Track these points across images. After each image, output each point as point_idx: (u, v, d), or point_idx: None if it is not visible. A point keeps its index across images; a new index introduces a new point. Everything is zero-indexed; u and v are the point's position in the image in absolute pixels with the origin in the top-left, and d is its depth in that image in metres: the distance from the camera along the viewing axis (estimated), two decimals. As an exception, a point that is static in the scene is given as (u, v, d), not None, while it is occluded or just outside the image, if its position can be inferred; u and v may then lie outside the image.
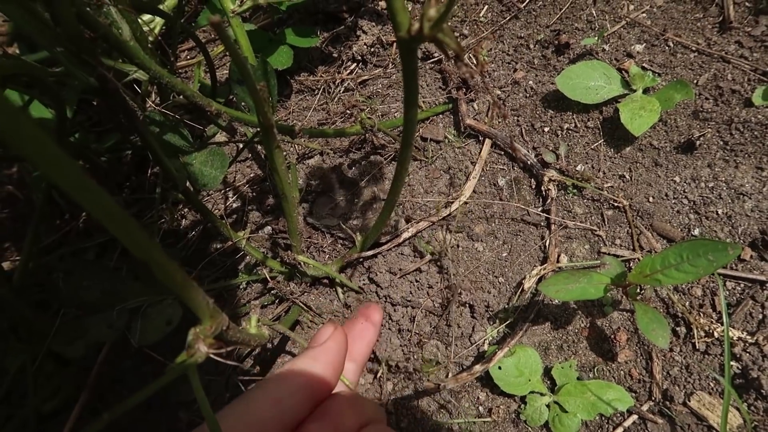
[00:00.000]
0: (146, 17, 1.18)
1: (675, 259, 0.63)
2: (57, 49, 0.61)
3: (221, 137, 1.10)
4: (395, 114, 1.04)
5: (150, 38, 1.26)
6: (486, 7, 1.13)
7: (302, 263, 0.82)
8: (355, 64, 1.16)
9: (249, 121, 0.79)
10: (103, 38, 0.58)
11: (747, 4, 0.96)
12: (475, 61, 1.07)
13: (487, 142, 0.94)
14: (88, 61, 0.57)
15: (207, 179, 0.73)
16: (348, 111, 1.08)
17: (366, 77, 1.12)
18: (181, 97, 0.70)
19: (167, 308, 0.71)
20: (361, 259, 0.87)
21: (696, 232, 0.80)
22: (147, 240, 0.40)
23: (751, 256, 0.77)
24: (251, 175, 1.09)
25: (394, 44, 1.14)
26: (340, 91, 1.13)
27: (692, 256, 0.62)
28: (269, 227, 0.99)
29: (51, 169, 0.22)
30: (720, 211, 0.80)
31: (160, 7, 1.17)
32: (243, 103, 0.81)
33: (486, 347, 0.80)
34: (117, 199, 1.11)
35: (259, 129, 0.62)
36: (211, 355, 0.52)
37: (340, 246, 0.92)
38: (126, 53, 0.62)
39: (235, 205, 1.07)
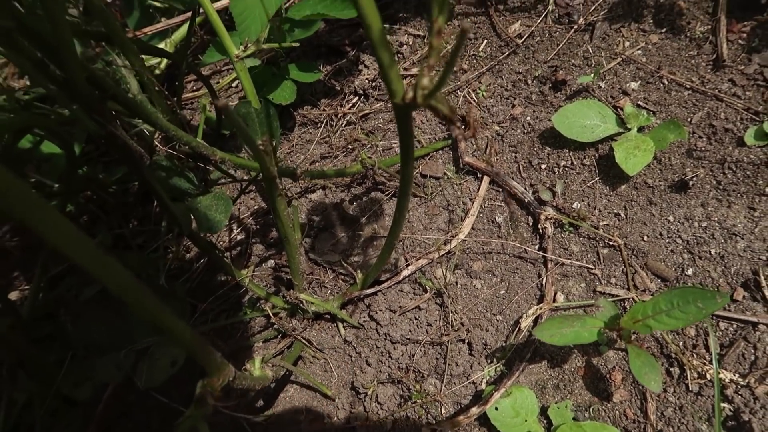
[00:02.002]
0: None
1: (666, 306, 0.65)
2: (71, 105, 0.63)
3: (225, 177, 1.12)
4: (395, 149, 1.07)
5: (156, 72, 1.29)
6: (485, 41, 1.15)
7: (304, 301, 0.84)
8: (357, 97, 1.18)
9: (252, 168, 0.82)
10: (112, 98, 0.61)
11: (740, 41, 0.98)
12: (474, 98, 1.09)
13: (486, 179, 0.96)
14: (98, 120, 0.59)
15: (211, 223, 0.75)
16: (350, 146, 1.10)
17: (367, 111, 1.15)
18: (186, 147, 0.72)
19: (172, 349, 0.73)
20: (361, 296, 0.89)
21: (690, 271, 0.81)
22: (158, 307, 0.42)
23: (744, 297, 0.78)
24: (255, 208, 1.11)
25: (395, 78, 1.16)
26: (342, 124, 1.16)
27: (682, 303, 0.64)
28: (272, 261, 1.01)
29: (74, 253, 0.25)
30: (713, 251, 0.82)
31: (168, 40, 1.21)
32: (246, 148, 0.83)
33: (483, 385, 0.82)
34: (122, 230, 1.13)
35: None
36: (220, 408, 0.54)
37: (341, 281, 0.94)
38: (134, 111, 0.64)
39: (239, 238, 1.09)
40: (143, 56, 1.01)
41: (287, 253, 0.78)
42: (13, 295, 1.17)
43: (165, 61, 1.27)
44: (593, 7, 1.10)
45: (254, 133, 0.86)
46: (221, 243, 1.09)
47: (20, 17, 0.53)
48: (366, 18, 0.39)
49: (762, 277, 0.78)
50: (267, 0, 0.94)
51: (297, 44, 0.90)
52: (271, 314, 0.87)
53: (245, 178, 1.05)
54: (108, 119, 0.60)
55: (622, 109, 0.96)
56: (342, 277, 0.94)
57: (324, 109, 1.19)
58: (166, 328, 0.46)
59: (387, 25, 1.23)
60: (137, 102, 0.64)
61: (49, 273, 1.17)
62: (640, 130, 0.92)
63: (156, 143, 0.93)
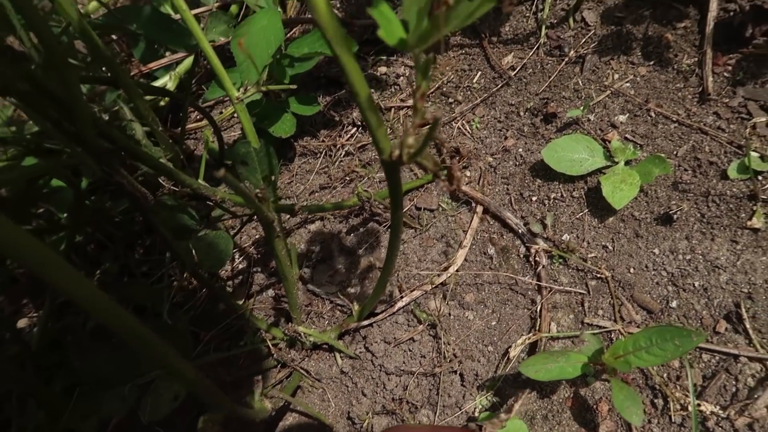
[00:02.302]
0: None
1: (645, 343, 0.68)
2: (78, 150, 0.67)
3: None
4: (392, 180, 1.10)
5: (162, 102, 1.33)
6: (479, 73, 1.19)
7: (302, 333, 0.87)
8: (355, 128, 1.22)
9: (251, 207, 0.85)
10: (121, 149, 0.65)
11: (725, 74, 1.01)
12: (468, 130, 1.13)
13: (479, 210, 0.99)
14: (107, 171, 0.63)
15: (213, 261, 0.79)
16: (347, 177, 1.14)
17: (365, 142, 1.18)
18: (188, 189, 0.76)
19: (175, 383, 0.76)
20: (358, 328, 0.93)
21: (674, 304, 0.84)
22: (162, 349, 0.46)
23: (726, 329, 0.81)
24: (256, 237, 1.15)
25: (392, 109, 1.20)
26: (341, 155, 1.19)
27: (660, 341, 0.67)
28: (273, 291, 1.04)
29: (83, 301, 0.28)
30: (697, 284, 0.85)
31: (172, 72, 1.25)
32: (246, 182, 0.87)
33: (477, 413, 0.84)
34: (128, 260, 1.17)
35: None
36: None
37: (338, 312, 0.98)
38: (141, 160, 0.68)
39: (241, 267, 1.13)
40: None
41: (285, 289, 0.82)
42: (22, 322, 1.21)
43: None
44: (584, 40, 1.13)
45: (253, 170, 0.90)
46: (224, 272, 1.12)
47: (36, 79, 0.57)
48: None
49: (743, 310, 0.80)
50: (267, 40, 0.98)
51: (295, 86, 0.93)
52: (270, 345, 0.90)
53: (246, 213, 1.09)
54: (116, 171, 0.64)
55: (610, 142, 0.99)
56: (339, 308, 0.97)
57: (323, 140, 1.23)
58: (169, 367, 0.49)
59: (384, 57, 1.27)
60: (143, 152, 0.68)
61: (57, 300, 1.21)
62: (627, 163, 0.95)
63: (161, 179, 0.97)
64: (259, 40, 0.98)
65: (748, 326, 0.79)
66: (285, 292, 0.83)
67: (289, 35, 1.34)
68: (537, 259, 0.92)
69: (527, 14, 1.20)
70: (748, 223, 0.85)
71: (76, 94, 0.56)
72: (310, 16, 1.39)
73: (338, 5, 1.39)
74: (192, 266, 0.78)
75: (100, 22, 0.88)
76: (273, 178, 0.89)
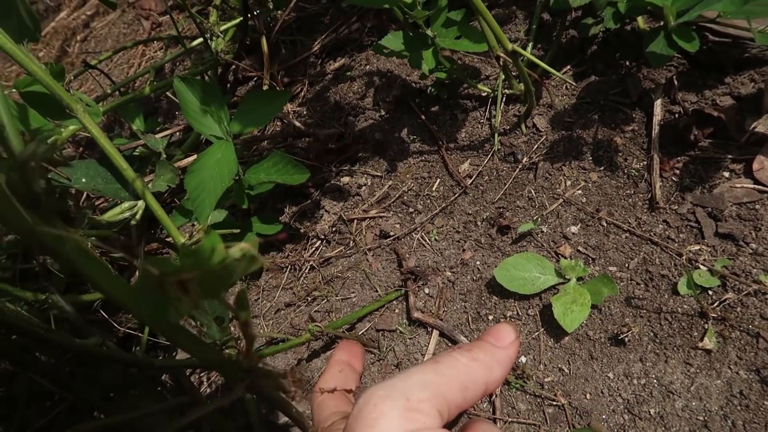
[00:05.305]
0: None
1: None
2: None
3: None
4: (352, 299, 1.11)
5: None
6: (438, 180, 1.21)
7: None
8: (320, 241, 1.24)
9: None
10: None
11: (674, 178, 1.02)
12: (427, 241, 1.14)
13: (435, 333, 1.00)
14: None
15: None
16: (309, 297, 1.15)
17: (328, 255, 1.20)
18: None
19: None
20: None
21: (630, 434, 0.83)
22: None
23: (684, 461, 0.79)
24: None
25: (355, 221, 1.22)
26: (306, 270, 1.21)
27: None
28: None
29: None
30: (652, 411, 0.83)
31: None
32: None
33: None
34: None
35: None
36: None
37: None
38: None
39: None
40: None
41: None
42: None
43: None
44: (536, 146, 1.15)
45: (204, 312, 0.91)
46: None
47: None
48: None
49: (700, 441, 0.79)
50: (221, 175, 1.01)
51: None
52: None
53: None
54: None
55: (562, 257, 1.00)
56: None
57: (288, 255, 1.25)
58: None
59: (347, 167, 1.30)
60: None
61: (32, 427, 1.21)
62: (579, 279, 0.96)
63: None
64: (213, 174, 1.01)
65: (705, 459, 0.78)
66: None
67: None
68: (493, 385, 0.91)
69: (481, 120, 1.23)
70: (700, 344, 0.84)
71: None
72: (270, 132, 1.43)
73: (305, 113, 1.44)
74: None
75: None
76: (224, 320, 0.90)
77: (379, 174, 1.26)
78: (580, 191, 1.07)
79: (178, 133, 1.54)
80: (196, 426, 1.04)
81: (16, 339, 0.72)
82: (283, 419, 1.04)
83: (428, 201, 1.19)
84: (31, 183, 0.39)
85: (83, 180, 0.91)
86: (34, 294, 0.88)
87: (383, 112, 1.32)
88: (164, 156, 1.04)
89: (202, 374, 1.15)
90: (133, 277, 1.29)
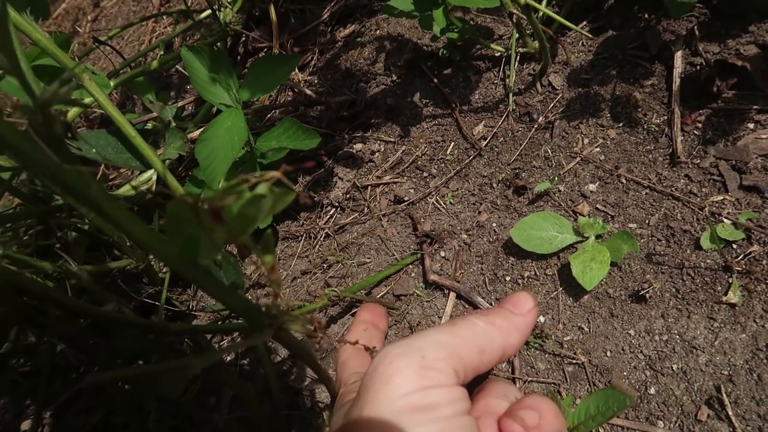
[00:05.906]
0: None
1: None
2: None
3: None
4: (369, 265, 1.10)
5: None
6: (452, 144, 1.19)
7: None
8: (334, 209, 1.23)
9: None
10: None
11: (695, 132, 0.99)
12: (443, 205, 1.12)
13: (452, 295, 0.99)
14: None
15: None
16: (325, 264, 1.15)
17: (343, 222, 1.19)
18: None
19: None
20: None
21: (652, 390, 0.81)
22: None
23: (708, 416, 0.77)
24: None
25: (368, 187, 1.21)
26: (321, 238, 1.20)
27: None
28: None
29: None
30: (675, 367, 0.82)
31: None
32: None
33: None
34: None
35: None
36: None
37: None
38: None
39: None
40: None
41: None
42: (26, 425, 1.24)
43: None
44: (552, 105, 1.12)
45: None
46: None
47: None
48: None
49: (725, 395, 0.77)
50: (232, 142, 1.00)
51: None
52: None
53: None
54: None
55: (581, 214, 0.97)
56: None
57: (303, 223, 1.24)
58: None
59: (360, 134, 1.29)
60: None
61: (59, 399, 1.24)
62: (598, 237, 0.94)
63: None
64: (224, 142, 1.00)
65: (730, 413, 0.76)
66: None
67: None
68: (512, 345, 0.90)
69: (495, 81, 1.20)
70: (724, 298, 0.82)
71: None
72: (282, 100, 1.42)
73: (315, 81, 1.42)
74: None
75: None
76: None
77: (392, 139, 1.25)
78: (598, 149, 1.04)
79: (189, 107, 1.54)
80: (218, 392, 1.06)
81: (35, 303, 0.73)
82: (301, 385, 1.05)
83: (442, 165, 1.17)
84: (52, 124, 0.39)
85: (93, 150, 0.91)
86: (53, 264, 0.89)
87: (395, 77, 1.29)
88: (174, 124, 1.04)
89: (221, 342, 1.16)
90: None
